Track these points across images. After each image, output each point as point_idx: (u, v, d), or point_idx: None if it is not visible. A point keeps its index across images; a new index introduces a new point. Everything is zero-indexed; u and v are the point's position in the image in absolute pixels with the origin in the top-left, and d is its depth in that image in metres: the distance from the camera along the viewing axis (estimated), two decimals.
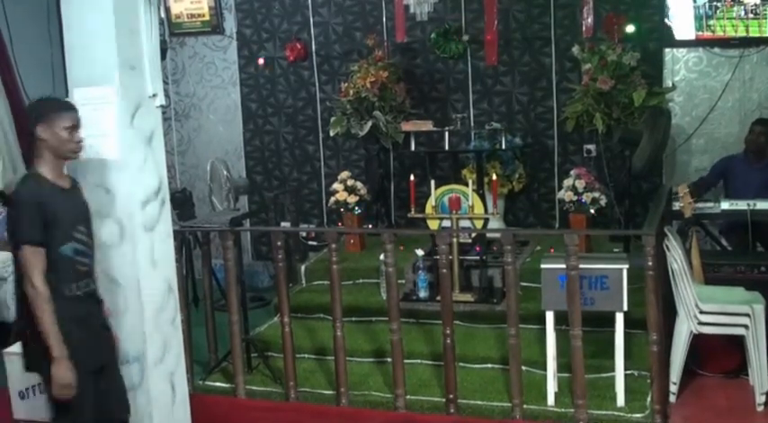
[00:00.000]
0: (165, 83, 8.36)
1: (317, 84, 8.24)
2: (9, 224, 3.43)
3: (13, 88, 7.88)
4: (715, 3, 6.82)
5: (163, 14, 8.18)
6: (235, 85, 8.60)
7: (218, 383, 5.60)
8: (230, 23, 8.49)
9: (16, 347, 4.16)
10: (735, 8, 6.81)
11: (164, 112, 3.85)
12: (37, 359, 3.41)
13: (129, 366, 3.69)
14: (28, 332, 3.41)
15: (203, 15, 8.47)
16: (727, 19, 6.85)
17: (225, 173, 6.93)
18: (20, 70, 7.97)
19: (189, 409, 3.94)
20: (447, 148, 7.37)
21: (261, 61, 8.37)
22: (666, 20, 7.00)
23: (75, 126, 3.47)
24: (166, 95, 3.81)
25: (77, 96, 3.60)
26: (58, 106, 3.50)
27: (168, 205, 3.83)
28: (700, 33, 6.95)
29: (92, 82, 3.56)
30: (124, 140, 3.56)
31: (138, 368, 3.68)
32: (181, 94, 8.79)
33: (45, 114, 3.45)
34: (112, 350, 3.66)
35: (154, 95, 3.68)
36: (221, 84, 8.65)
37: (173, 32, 8.56)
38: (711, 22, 6.88)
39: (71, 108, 3.52)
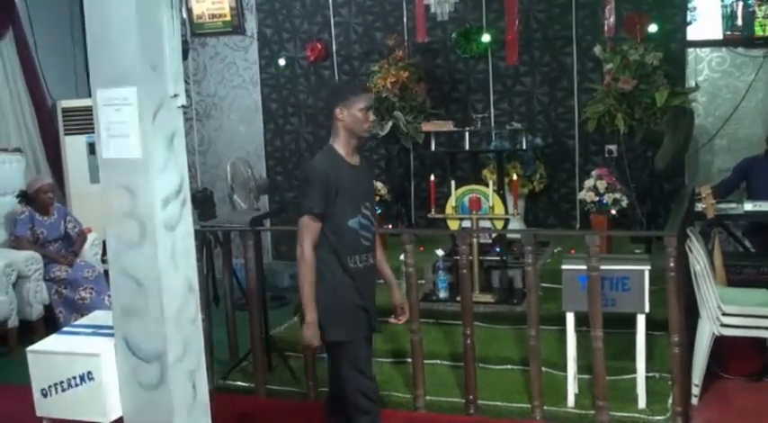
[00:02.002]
0: (187, 83, 8.33)
1: None
2: (299, 191, 3.64)
3: (37, 90, 7.96)
4: (742, 2, 6.77)
5: (184, 15, 8.26)
6: (255, 85, 8.64)
7: (238, 382, 5.61)
8: (251, 24, 8.53)
9: (39, 345, 4.19)
10: (763, 8, 6.77)
11: (185, 113, 3.85)
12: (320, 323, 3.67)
13: (149, 365, 3.68)
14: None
15: (224, 15, 8.51)
16: (756, 18, 6.80)
17: (249, 171, 6.94)
18: (44, 71, 8.04)
19: (209, 408, 3.93)
20: (467, 148, 7.37)
21: (282, 62, 8.39)
22: (691, 19, 6.96)
23: (369, 107, 3.75)
24: (188, 96, 3.82)
25: (100, 97, 3.59)
26: (356, 89, 3.84)
27: (189, 205, 3.79)
28: (728, 33, 6.91)
29: (114, 82, 3.54)
30: (146, 140, 3.52)
31: (159, 367, 3.65)
32: (202, 94, 8.84)
33: (345, 97, 3.71)
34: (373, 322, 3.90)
35: (175, 96, 3.64)
36: (242, 84, 8.68)
37: (194, 33, 8.62)
38: (738, 22, 6.83)
39: (367, 90, 3.90)
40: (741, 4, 6.82)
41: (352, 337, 3.72)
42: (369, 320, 3.82)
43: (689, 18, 7.01)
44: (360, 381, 3.73)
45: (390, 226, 7.59)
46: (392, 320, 4.04)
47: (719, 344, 4.98)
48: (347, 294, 3.69)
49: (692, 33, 7.07)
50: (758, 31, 6.83)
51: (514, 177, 6.44)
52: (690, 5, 6.99)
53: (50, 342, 4.23)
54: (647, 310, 4.69)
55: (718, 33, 6.94)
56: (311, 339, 3.63)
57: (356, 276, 3.72)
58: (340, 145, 3.74)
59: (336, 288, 3.67)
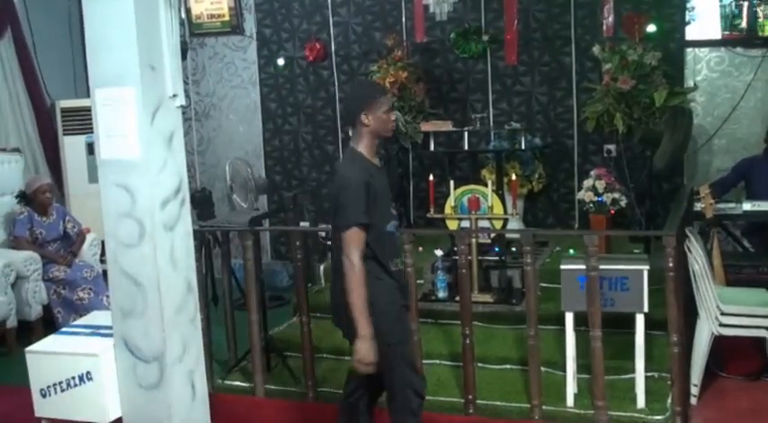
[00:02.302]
0: (186, 83, 8.37)
1: (336, 84, 8.26)
2: (334, 200, 3.58)
3: (35, 90, 7.95)
4: (741, 2, 6.78)
5: (183, 15, 8.25)
6: (254, 85, 8.64)
7: (237, 383, 5.61)
8: (250, 24, 8.52)
9: (38, 346, 4.22)
10: (762, 7, 6.77)
11: (184, 113, 3.86)
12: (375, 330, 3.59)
13: (148, 365, 3.70)
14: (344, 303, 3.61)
15: (223, 16, 8.51)
16: (757, 18, 6.81)
17: (248, 170, 6.95)
18: (42, 71, 8.04)
19: (208, 408, 3.94)
20: (466, 148, 7.37)
21: (280, 62, 8.39)
22: (690, 19, 6.97)
23: (391, 108, 3.72)
24: (186, 96, 3.82)
25: (98, 97, 3.60)
26: (377, 92, 3.73)
27: (188, 205, 3.82)
28: (727, 33, 6.92)
29: (113, 83, 3.55)
30: (144, 140, 3.54)
31: (158, 367, 3.68)
32: (201, 94, 8.83)
33: (368, 102, 3.63)
34: None
35: (174, 96, 3.68)
36: (241, 84, 8.68)
37: (193, 33, 8.61)
38: (738, 22, 6.83)
39: (386, 91, 3.85)
40: (746, 3, 6.81)
41: (406, 337, 3.75)
42: (408, 326, 3.86)
43: (687, 18, 7.00)
44: (414, 379, 3.75)
45: None
46: None
47: (718, 343, 4.97)
48: (395, 297, 3.67)
49: (691, 33, 7.05)
50: (758, 32, 6.82)
51: (513, 177, 6.42)
52: (688, 5, 6.97)
53: (49, 342, 4.25)
54: (645, 309, 4.68)
55: (716, 33, 6.93)
56: (367, 354, 3.51)
57: (398, 278, 3.73)
58: (365, 149, 3.68)
59: (386, 293, 3.63)
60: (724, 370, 5.24)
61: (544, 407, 4.82)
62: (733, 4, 6.83)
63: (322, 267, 6.99)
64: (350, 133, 7.54)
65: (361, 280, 3.49)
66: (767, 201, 6.03)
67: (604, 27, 7.01)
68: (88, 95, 3.71)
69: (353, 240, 3.50)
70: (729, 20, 6.88)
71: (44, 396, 4.03)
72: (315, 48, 8.18)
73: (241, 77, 8.67)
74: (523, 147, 7.16)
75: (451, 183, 6.29)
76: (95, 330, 4.11)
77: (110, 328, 3.82)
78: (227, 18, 8.51)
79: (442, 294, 6.15)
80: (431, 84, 7.80)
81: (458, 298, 5.15)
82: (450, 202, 6.25)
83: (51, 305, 6.70)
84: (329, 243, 7.52)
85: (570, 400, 4.89)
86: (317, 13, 8.26)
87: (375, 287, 3.58)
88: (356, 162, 3.63)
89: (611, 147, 7.35)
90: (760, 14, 6.80)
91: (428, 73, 7.82)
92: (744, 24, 6.87)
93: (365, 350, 3.50)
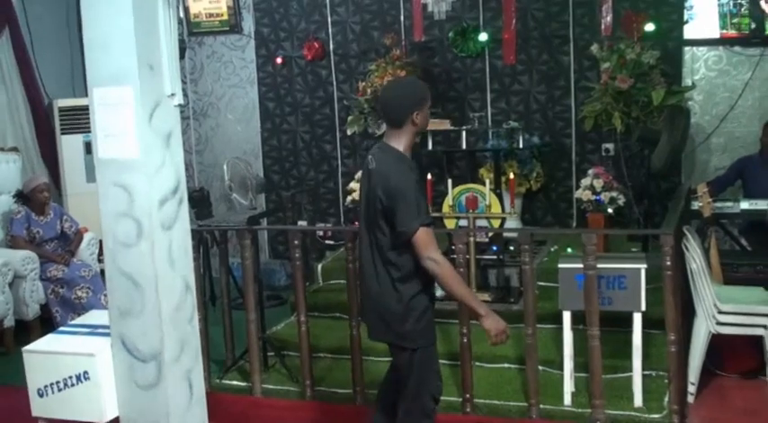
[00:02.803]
0: (184, 82, 8.40)
1: (334, 83, 8.25)
2: (389, 202, 3.50)
3: (33, 89, 7.93)
4: (740, 1, 6.78)
5: (181, 14, 8.24)
6: (252, 85, 8.63)
7: (234, 382, 5.61)
8: (248, 23, 8.51)
9: (35, 345, 4.21)
10: (760, 5, 6.77)
11: (182, 112, 3.85)
12: (401, 330, 3.61)
13: (145, 365, 3.69)
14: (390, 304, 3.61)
15: (222, 15, 8.51)
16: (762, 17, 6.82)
17: (248, 168, 6.94)
18: (40, 70, 8.02)
19: (206, 407, 3.93)
20: (464, 147, 7.30)
21: (278, 60, 8.38)
22: (688, 18, 6.97)
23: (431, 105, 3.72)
24: (184, 95, 3.81)
25: (96, 96, 3.59)
26: (425, 91, 3.70)
27: (186, 204, 3.82)
28: (724, 32, 6.92)
29: (111, 81, 3.55)
30: (142, 140, 3.54)
31: (155, 366, 3.67)
32: (199, 94, 8.82)
33: (419, 102, 3.61)
34: None
35: (172, 95, 3.67)
36: (239, 83, 8.68)
37: (191, 32, 8.60)
38: (736, 20, 6.83)
39: (430, 89, 3.77)
40: (737, 2, 6.82)
41: (432, 341, 3.74)
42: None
43: (686, 16, 7.00)
44: (435, 383, 3.74)
45: None
46: None
47: (716, 342, 4.97)
48: (427, 301, 3.66)
49: (689, 32, 7.05)
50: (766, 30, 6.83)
51: (511, 176, 6.41)
52: (687, 4, 6.97)
53: (46, 342, 4.23)
54: (643, 308, 4.69)
55: (714, 32, 6.93)
56: (498, 325, 3.53)
57: (429, 281, 3.67)
58: (406, 148, 3.64)
59: (425, 298, 3.63)
60: (721, 368, 5.25)
61: (542, 405, 4.83)
62: (731, 2, 6.83)
63: (320, 266, 6.99)
64: (348, 132, 7.61)
65: (452, 270, 3.54)
66: (764, 199, 6.03)
67: (603, 26, 7.02)
68: (86, 94, 3.70)
69: (427, 240, 3.47)
70: (728, 18, 6.87)
71: (41, 396, 4.02)
72: (313, 47, 8.18)
73: (239, 77, 8.66)
74: (521, 146, 7.15)
75: (449, 181, 6.29)
76: (93, 330, 4.10)
77: (107, 327, 3.81)
78: (225, 17, 8.50)
79: (439, 293, 6.06)
80: (429, 82, 7.62)
81: None
82: (448, 200, 6.25)
83: (49, 304, 6.70)
84: (327, 242, 7.56)
85: (568, 399, 4.90)
86: (316, 13, 8.25)
87: (415, 291, 3.59)
88: (405, 164, 3.58)
89: (610, 146, 7.35)
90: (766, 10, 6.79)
91: (426, 72, 7.79)
92: (741, 22, 6.85)
93: (495, 323, 3.53)
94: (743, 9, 6.81)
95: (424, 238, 3.45)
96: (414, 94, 3.65)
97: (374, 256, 3.63)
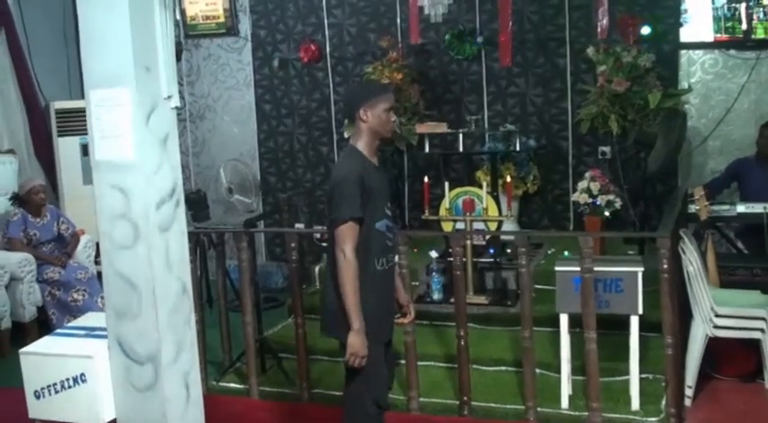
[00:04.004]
0: (180, 84, 8.38)
1: (330, 85, 8.25)
2: (329, 195, 3.57)
3: (29, 91, 7.91)
4: (734, 5, 6.78)
5: (178, 16, 8.24)
6: (249, 87, 8.62)
7: (231, 384, 5.61)
8: (245, 25, 8.51)
9: (32, 347, 4.20)
10: (754, 10, 6.78)
11: (178, 114, 3.83)
12: (335, 325, 3.60)
13: (142, 367, 3.67)
14: (333, 299, 3.59)
15: (218, 17, 8.50)
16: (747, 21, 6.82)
17: (248, 168, 6.92)
18: (36, 72, 8.00)
19: (203, 409, 3.91)
20: (461, 149, 7.31)
21: (275, 63, 8.37)
22: (683, 21, 6.98)
23: (392, 107, 3.67)
24: (181, 97, 3.79)
25: (93, 98, 3.57)
26: (379, 90, 3.74)
27: (183, 206, 3.79)
28: (718, 35, 6.93)
29: (107, 83, 3.53)
30: (139, 142, 3.52)
31: (152, 369, 3.65)
32: (195, 96, 8.82)
33: (368, 98, 3.61)
34: (393, 324, 3.85)
35: (169, 97, 3.65)
36: (236, 85, 8.67)
37: (188, 34, 8.59)
38: (730, 24, 6.84)
39: (389, 90, 3.75)
40: (744, 5, 6.82)
41: (379, 340, 3.65)
42: (390, 324, 3.78)
43: (681, 20, 7.00)
44: (375, 385, 3.66)
45: None
46: (397, 321, 3.95)
47: (712, 345, 4.98)
48: (373, 298, 3.60)
49: (685, 35, 7.06)
50: (760, 34, 6.84)
51: (508, 179, 6.43)
52: (682, 7, 6.98)
53: (43, 344, 4.22)
54: (640, 311, 4.69)
55: (710, 35, 6.94)
56: (360, 348, 3.49)
57: (382, 278, 3.65)
58: (364, 146, 3.64)
59: (364, 292, 3.55)
60: (718, 371, 5.26)
61: (539, 408, 4.83)
62: (725, 6, 6.84)
63: (317, 269, 6.99)
64: (345, 134, 7.61)
65: (354, 273, 3.47)
66: (761, 202, 6.04)
67: (599, 29, 6.98)
68: (83, 96, 3.68)
69: (347, 234, 3.48)
70: (722, 22, 6.88)
71: (38, 398, 4.00)
72: (310, 49, 8.16)
73: (236, 79, 8.66)
74: (518, 148, 7.16)
75: (446, 184, 6.30)
76: (90, 332, 4.09)
77: (104, 329, 3.79)
78: (221, 19, 8.49)
79: (436, 296, 6.17)
80: (425, 85, 7.80)
81: (452, 300, 5.18)
82: (445, 203, 6.25)
83: (46, 307, 6.70)
84: (324, 244, 7.54)
85: (565, 402, 4.90)
86: (312, 15, 8.24)
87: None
88: (353, 158, 3.61)
89: (606, 148, 7.34)
90: (754, 17, 6.81)
91: (423, 75, 7.81)
92: (742, 26, 6.87)
93: (358, 344, 3.48)
94: (737, 13, 6.82)
95: (344, 231, 3.48)
96: (362, 91, 3.73)
97: (328, 252, 3.67)
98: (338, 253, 3.49)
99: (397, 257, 3.88)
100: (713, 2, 6.87)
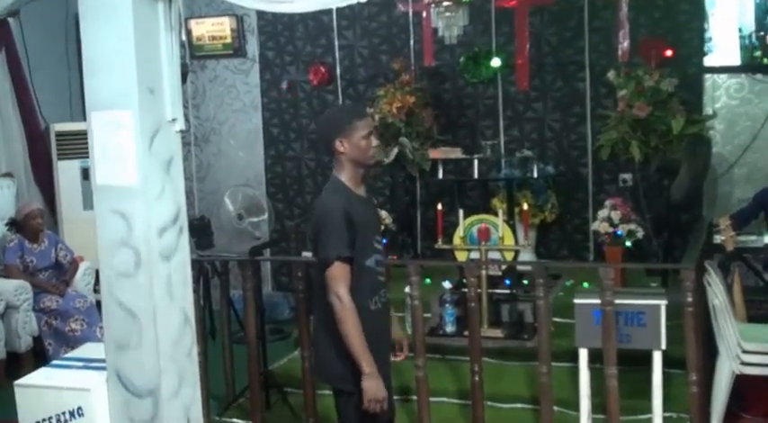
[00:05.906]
0: (185, 107, 8.26)
1: None
2: (314, 234, 3.45)
3: (29, 112, 7.90)
4: (762, 33, 6.75)
5: (184, 37, 8.14)
6: (256, 110, 8.59)
7: (234, 419, 5.53)
8: (252, 46, 8.50)
9: (27, 379, 4.13)
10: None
11: (183, 137, 3.80)
12: (336, 371, 3.47)
13: (142, 400, 3.63)
14: (324, 343, 3.50)
15: (225, 38, 8.47)
16: None
17: (255, 193, 6.86)
18: (37, 94, 7.98)
19: None
20: (476, 176, 7.29)
21: (285, 85, 8.30)
22: (707, 50, 6.98)
23: (371, 132, 3.49)
24: (186, 120, 3.79)
25: (95, 120, 3.56)
26: (352, 116, 3.51)
27: (186, 233, 3.77)
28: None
29: (110, 105, 3.52)
30: (142, 166, 3.49)
31: (152, 403, 3.61)
32: (201, 119, 8.79)
33: (342, 127, 3.44)
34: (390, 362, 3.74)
35: (173, 120, 3.64)
36: (242, 108, 8.64)
37: (194, 55, 8.57)
38: (758, 54, 6.83)
39: (362, 114, 3.59)
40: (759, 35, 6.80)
41: None
42: (388, 363, 3.63)
43: (706, 49, 6.98)
44: None
45: (395, 257, 7.46)
46: (392, 358, 3.80)
47: (740, 382, 4.87)
48: (370, 340, 3.41)
49: (710, 59, 7.04)
50: None
51: (525, 207, 6.41)
52: (706, 36, 6.95)
53: (39, 376, 4.18)
54: (663, 346, 4.58)
55: (736, 60, 6.89)
56: (377, 392, 3.32)
57: (377, 318, 3.51)
58: (347, 178, 3.49)
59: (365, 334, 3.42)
60: (746, 410, 5.15)
61: None
62: (753, 35, 6.79)
63: None
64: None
65: (355, 317, 3.31)
66: None
67: (620, 52, 6.97)
68: (84, 118, 3.66)
69: (339, 275, 3.34)
70: (749, 51, 6.86)
71: None
72: (319, 71, 8.13)
73: (243, 101, 8.63)
74: (535, 175, 7.15)
75: (461, 212, 6.27)
76: (87, 363, 4.06)
77: (103, 361, 3.76)
78: (229, 40, 8.47)
79: (450, 329, 6.07)
80: (439, 109, 7.77)
81: (466, 332, 5.13)
82: (460, 232, 6.23)
83: (42, 336, 6.64)
84: None
85: None
86: (322, 36, 8.22)
87: None
88: (337, 193, 3.45)
89: (627, 176, 7.30)
90: None
91: (437, 98, 7.78)
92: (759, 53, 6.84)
93: (374, 388, 3.31)
94: (766, 40, 6.77)
95: (335, 272, 3.33)
96: (334, 121, 3.54)
97: (314, 296, 3.53)
98: (332, 298, 3.34)
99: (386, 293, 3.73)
100: (740, 30, 6.82)
